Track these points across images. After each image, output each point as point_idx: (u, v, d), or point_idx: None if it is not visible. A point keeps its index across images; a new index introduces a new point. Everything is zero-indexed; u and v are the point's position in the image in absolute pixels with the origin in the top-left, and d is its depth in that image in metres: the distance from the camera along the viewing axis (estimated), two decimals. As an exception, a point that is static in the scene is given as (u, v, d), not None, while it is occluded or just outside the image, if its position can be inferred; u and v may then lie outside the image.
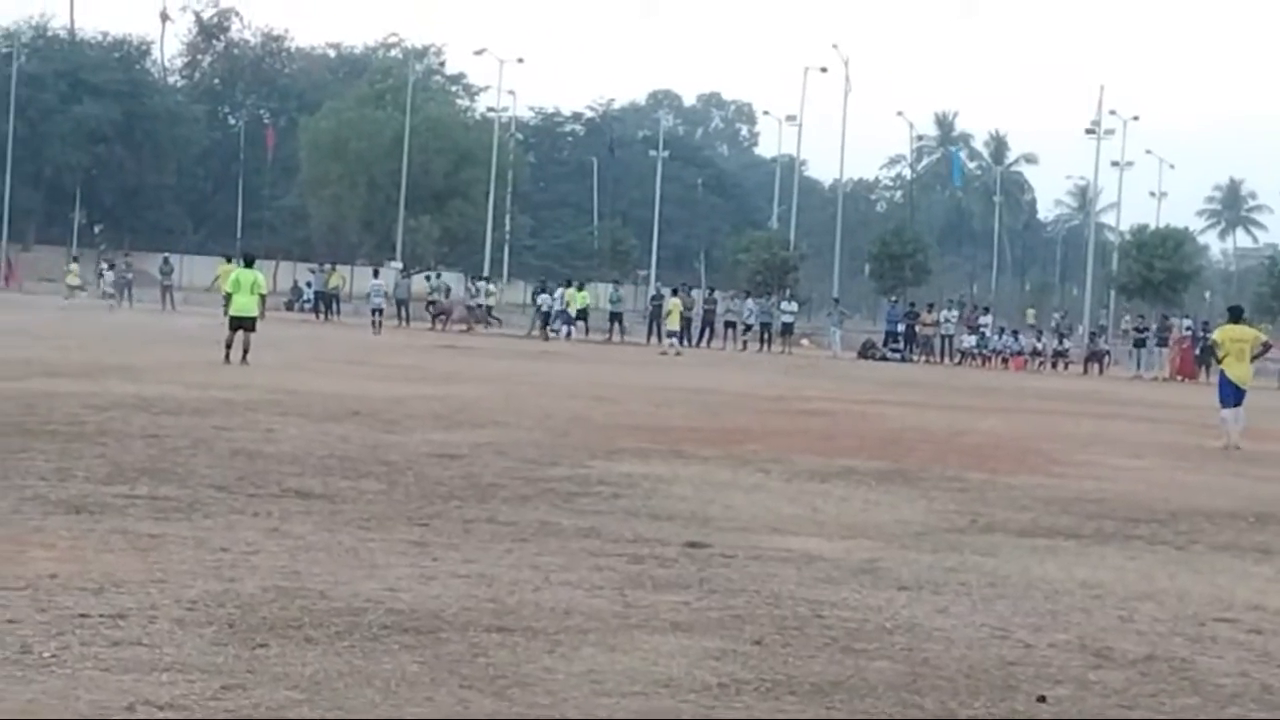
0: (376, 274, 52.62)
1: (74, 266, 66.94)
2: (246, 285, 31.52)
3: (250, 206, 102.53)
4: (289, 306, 69.91)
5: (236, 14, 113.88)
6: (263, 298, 33.41)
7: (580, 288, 60.72)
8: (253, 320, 31.12)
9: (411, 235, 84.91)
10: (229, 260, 33.81)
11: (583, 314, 58.99)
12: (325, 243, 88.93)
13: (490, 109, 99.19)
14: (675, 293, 58.80)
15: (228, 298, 31.85)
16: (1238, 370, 24.40)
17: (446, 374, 31.37)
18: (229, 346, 30.20)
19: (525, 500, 13.28)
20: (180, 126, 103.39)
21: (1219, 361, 25.58)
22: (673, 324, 55.44)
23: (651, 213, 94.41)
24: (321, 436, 17.39)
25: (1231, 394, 24.13)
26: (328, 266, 68.72)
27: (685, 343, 56.90)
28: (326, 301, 65.17)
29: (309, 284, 69.77)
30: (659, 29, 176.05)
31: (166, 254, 69.74)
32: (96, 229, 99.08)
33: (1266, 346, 26.32)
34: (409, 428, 19.02)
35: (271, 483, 13.34)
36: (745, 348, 59.72)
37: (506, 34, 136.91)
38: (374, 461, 15.30)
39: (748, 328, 61.47)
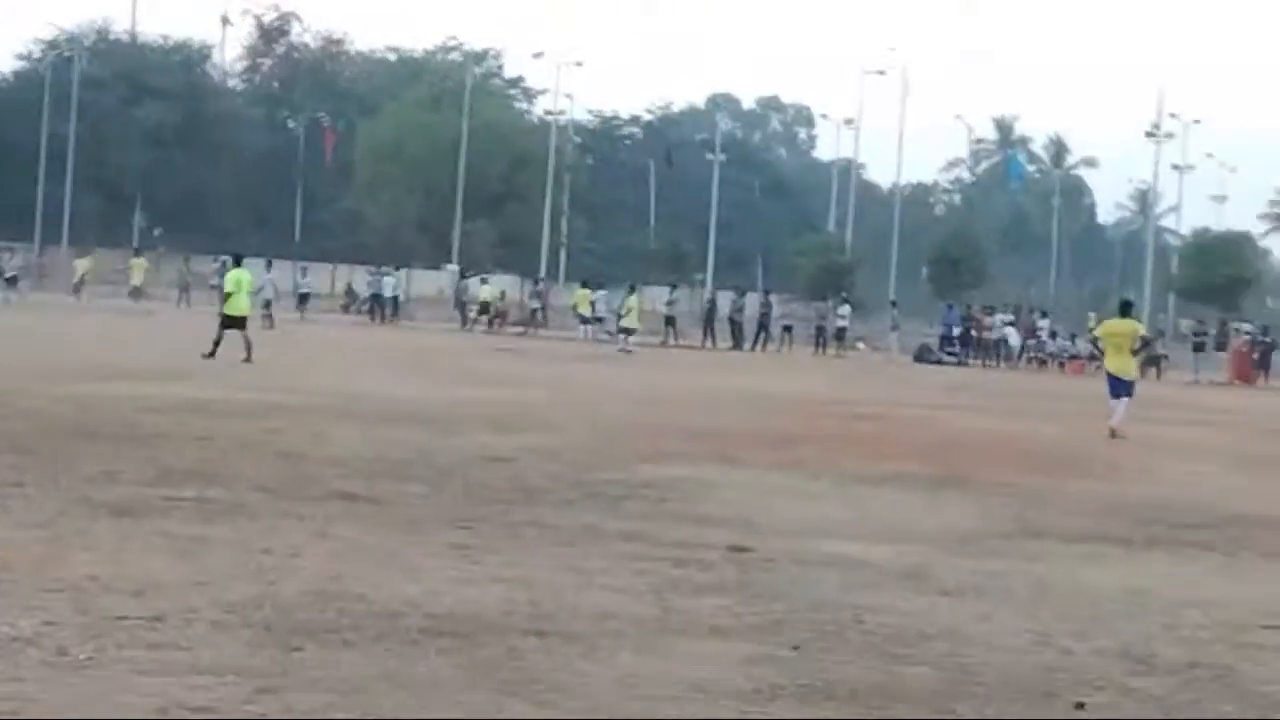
0: (269, 266, 51.38)
1: (138, 261, 65.61)
2: (246, 285, 32.30)
3: (308, 209, 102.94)
4: (345, 309, 70.15)
5: (296, 17, 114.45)
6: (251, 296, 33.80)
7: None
8: (245, 319, 31.70)
9: (468, 239, 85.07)
10: (238, 262, 34.06)
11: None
12: (382, 246, 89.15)
13: (548, 112, 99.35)
14: (633, 290, 54.84)
15: (228, 297, 32.12)
16: (1115, 362, 25.33)
17: (500, 377, 31.41)
18: (218, 344, 30.55)
19: (570, 504, 13.27)
20: (240, 130, 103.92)
21: (1101, 354, 26.72)
22: (630, 322, 52.37)
23: (709, 216, 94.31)
24: (371, 440, 17.42)
25: (1113, 385, 25.13)
26: (385, 269, 68.92)
27: (746, 346, 56.78)
28: (383, 304, 65.44)
29: (368, 285, 69.82)
30: (717, 32, 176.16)
31: (225, 258, 69.80)
32: (156, 232, 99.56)
33: (1145, 341, 28.48)
34: (459, 431, 19.04)
35: (318, 485, 13.37)
36: (763, 348, 58.77)
37: (565, 37, 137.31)
38: (422, 465, 15.31)
39: (763, 329, 60.44)
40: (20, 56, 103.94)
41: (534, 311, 65.04)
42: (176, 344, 34.25)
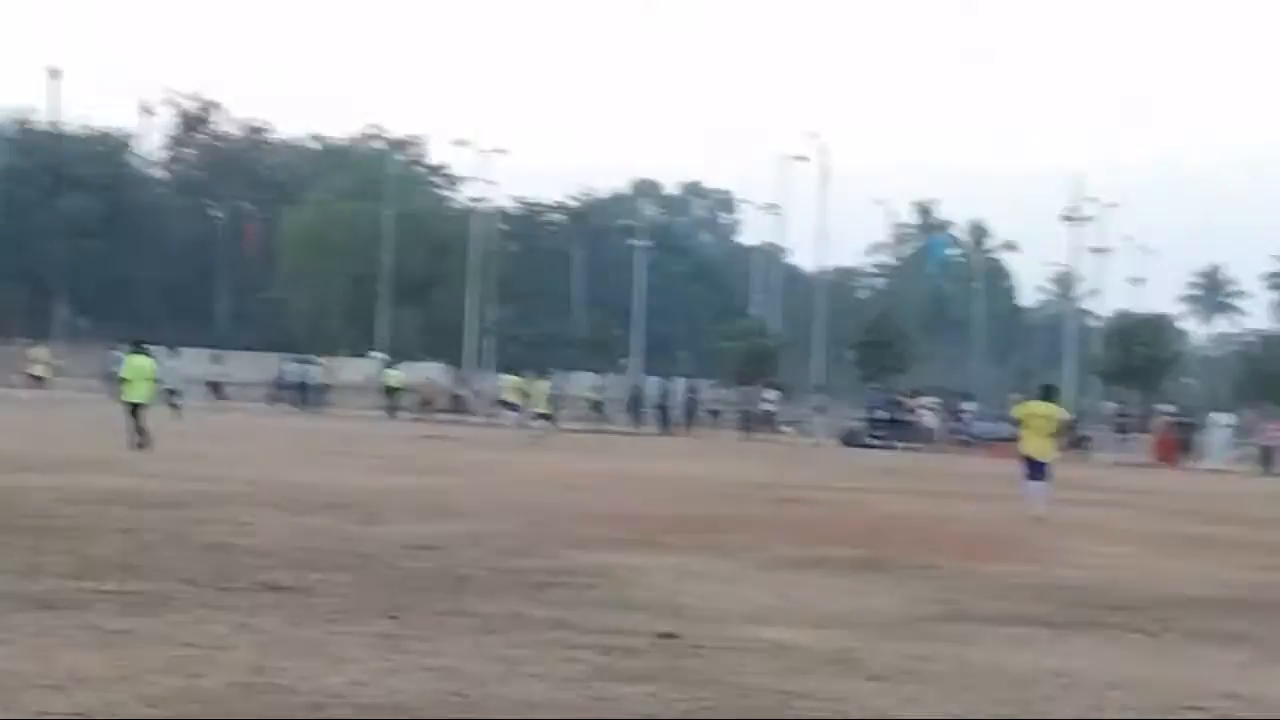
0: (172, 353, 50.86)
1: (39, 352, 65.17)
2: (146, 373, 32.22)
3: (234, 298, 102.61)
4: (271, 399, 69.86)
5: (218, 106, 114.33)
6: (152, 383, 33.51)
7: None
8: (141, 407, 31.53)
9: (394, 326, 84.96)
10: (138, 349, 33.93)
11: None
12: (307, 333, 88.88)
13: (472, 199, 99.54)
14: (540, 375, 53.64)
15: (126, 384, 32.00)
16: (1033, 444, 25.43)
17: (425, 464, 31.33)
18: (141, 431, 30.58)
19: (497, 591, 13.23)
20: (163, 218, 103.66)
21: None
22: (540, 406, 51.18)
23: (633, 301, 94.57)
24: (296, 529, 17.33)
25: (1030, 468, 25.26)
26: (309, 357, 68.80)
27: (673, 431, 56.85)
28: (308, 392, 65.24)
29: (289, 373, 69.71)
30: (639, 118, 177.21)
31: (173, 347, 69.29)
32: (80, 322, 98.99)
33: (1066, 425, 29.17)
34: (384, 519, 18.97)
35: (243, 576, 13.28)
36: (690, 433, 58.93)
37: (487, 124, 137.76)
38: (347, 554, 15.23)
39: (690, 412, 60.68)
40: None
41: (458, 398, 64.97)
42: (89, 433, 33.97)
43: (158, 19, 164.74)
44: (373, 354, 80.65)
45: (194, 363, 65.44)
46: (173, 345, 59.21)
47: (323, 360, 69.71)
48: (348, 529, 17.56)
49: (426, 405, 63.67)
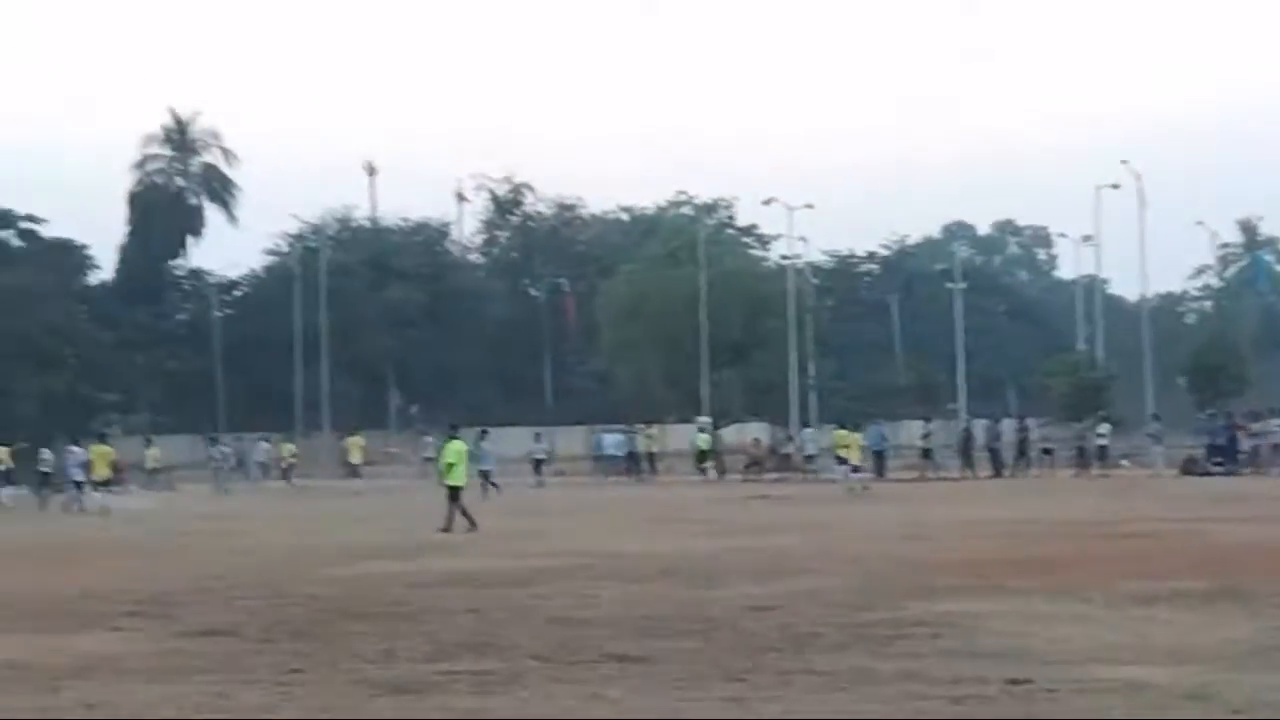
0: (484, 435, 51.13)
1: (355, 440, 66.82)
2: (458, 455, 32.89)
3: (557, 374, 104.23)
4: (603, 471, 70.54)
5: (529, 187, 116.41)
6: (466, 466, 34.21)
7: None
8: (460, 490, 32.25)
9: (716, 389, 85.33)
10: (454, 434, 34.68)
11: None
12: (632, 403, 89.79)
13: (784, 257, 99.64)
14: (845, 426, 52.80)
15: (449, 468, 32.58)
16: None
17: (758, 525, 31.35)
18: (453, 516, 31.12)
19: (842, 648, 13.17)
20: (483, 302, 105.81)
21: None
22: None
23: (954, 345, 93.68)
24: (637, 597, 17.49)
25: None
26: (639, 426, 69.59)
27: (1006, 473, 56.03)
28: (638, 461, 65.91)
29: (607, 444, 70.56)
30: (950, 164, 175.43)
31: (483, 428, 70.80)
32: (413, 409, 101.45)
33: None
34: (722, 582, 19.03)
35: (589, 648, 13.44)
36: (1024, 473, 57.97)
37: (793, 182, 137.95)
38: (689, 619, 15.32)
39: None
40: (269, 251, 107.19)
41: (786, 456, 64.89)
42: (421, 519, 34.60)
43: (465, 110, 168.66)
44: (698, 419, 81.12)
45: (517, 441, 66.81)
46: (501, 425, 60.22)
47: (649, 428, 70.30)
48: (687, 594, 17.66)
49: (753, 465, 63.72)
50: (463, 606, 16.97)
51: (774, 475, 61.86)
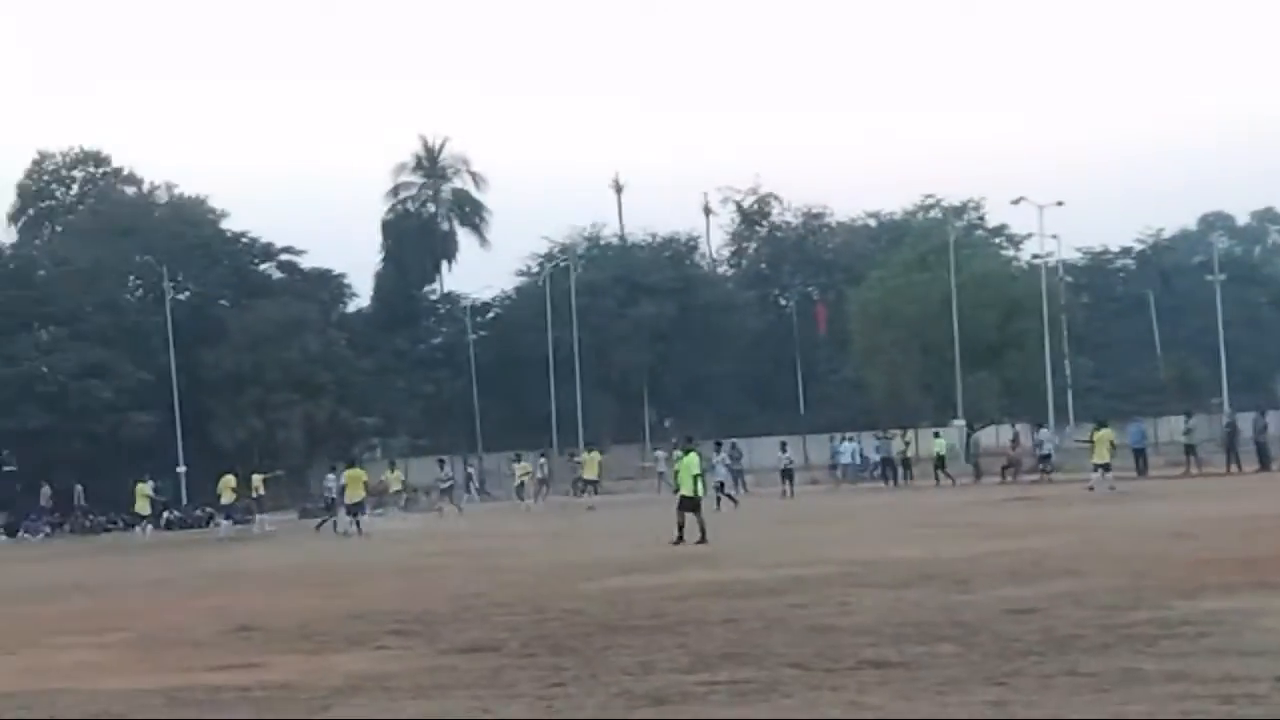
0: (719, 447, 50.28)
1: (520, 464, 66.78)
2: (691, 468, 32.83)
3: (809, 383, 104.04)
4: (846, 478, 70.17)
5: (776, 198, 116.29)
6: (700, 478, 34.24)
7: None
8: (698, 502, 32.34)
9: (971, 392, 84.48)
10: (689, 447, 34.84)
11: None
12: (886, 409, 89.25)
13: (1036, 256, 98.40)
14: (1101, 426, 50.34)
15: (691, 479, 32.68)
16: None
17: (1016, 527, 30.94)
18: (683, 527, 31.20)
19: (1106, 649, 12.93)
20: (733, 314, 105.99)
21: None
22: (1100, 457, 47.46)
23: (1215, 339, 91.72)
24: (895, 603, 17.36)
25: None
26: (893, 432, 69.22)
27: (1275, 467, 54.57)
28: (894, 466, 65.60)
29: (876, 449, 70.34)
30: (1205, 153, 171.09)
31: (733, 440, 70.90)
32: (666, 423, 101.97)
33: None
34: (982, 585, 18.81)
35: (848, 655, 13.36)
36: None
37: (1043, 180, 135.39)
38: (948, 624, 15.16)
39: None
40: (520, 272, 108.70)
41: (1044, 458, 63.89)
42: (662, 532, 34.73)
43: (709, 123, 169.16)
44: (954, 422, 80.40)
45: (770, 452, 66.99)
46: (755, 435, 60.05)
47: (904, 434, 69.87)
48: (946, 599, 17.48)
49: (1011, 468, 62.87)
50: (720, 617, 16.99)
51: (1032, 477, 61.02)
